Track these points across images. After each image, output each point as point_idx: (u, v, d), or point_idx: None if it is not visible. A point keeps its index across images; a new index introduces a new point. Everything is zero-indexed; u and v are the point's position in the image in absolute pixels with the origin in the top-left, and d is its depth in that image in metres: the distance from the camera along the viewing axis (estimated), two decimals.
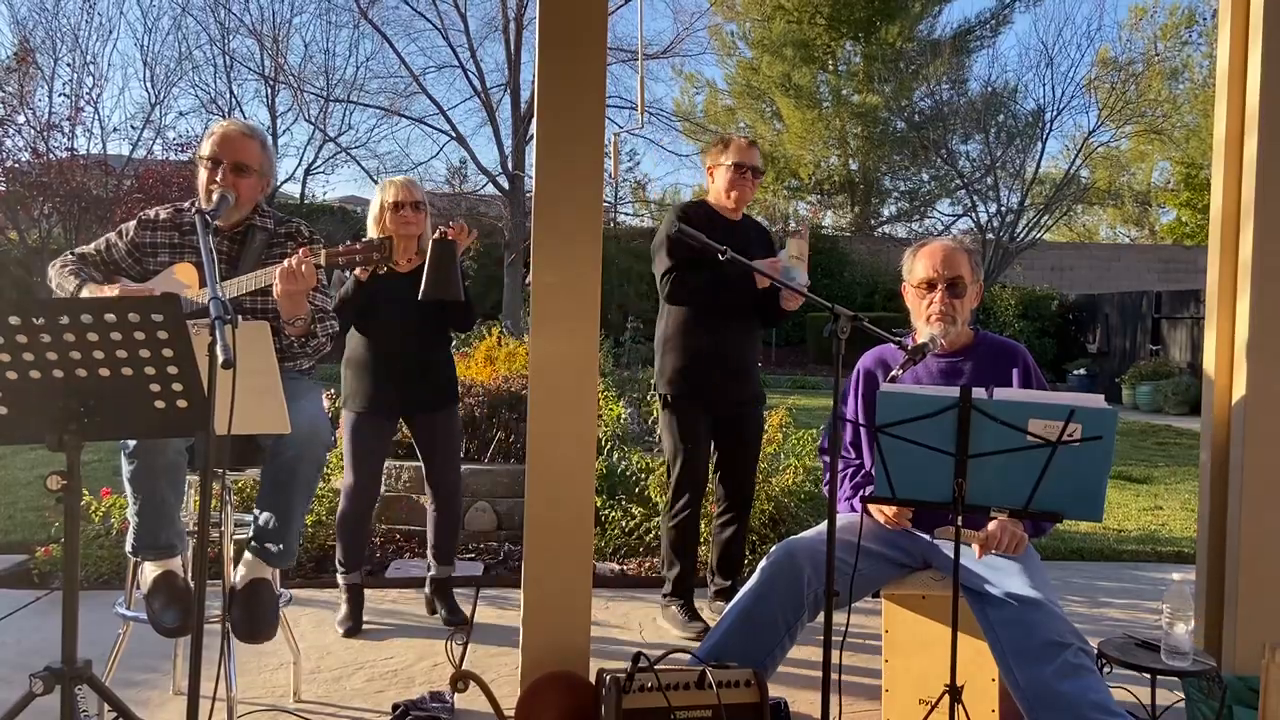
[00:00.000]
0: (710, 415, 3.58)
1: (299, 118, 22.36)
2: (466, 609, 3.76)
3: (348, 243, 2.65)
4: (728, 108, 26.06)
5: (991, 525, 2.41)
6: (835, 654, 2.16)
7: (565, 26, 2.53)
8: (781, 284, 3.09)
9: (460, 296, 3.24)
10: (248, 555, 2.60)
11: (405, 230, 3.40)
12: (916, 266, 2.67)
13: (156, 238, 2.77)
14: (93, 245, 2.82)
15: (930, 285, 2.62)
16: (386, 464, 4.83)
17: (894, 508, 2.51)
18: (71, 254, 2.79)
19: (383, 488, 4.82)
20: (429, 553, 3.61)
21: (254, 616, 2.51)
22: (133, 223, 2.81)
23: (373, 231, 3.44)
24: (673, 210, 3.73)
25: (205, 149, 2.72)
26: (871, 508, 2.56)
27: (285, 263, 2.51)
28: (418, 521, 4.55)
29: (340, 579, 3.52)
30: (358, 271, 3.30)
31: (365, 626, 3.50)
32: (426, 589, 3.66)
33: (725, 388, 3.55)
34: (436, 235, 3.19)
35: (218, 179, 2.66)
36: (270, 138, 4.08)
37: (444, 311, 3.43)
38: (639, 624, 3.67)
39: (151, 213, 2.82)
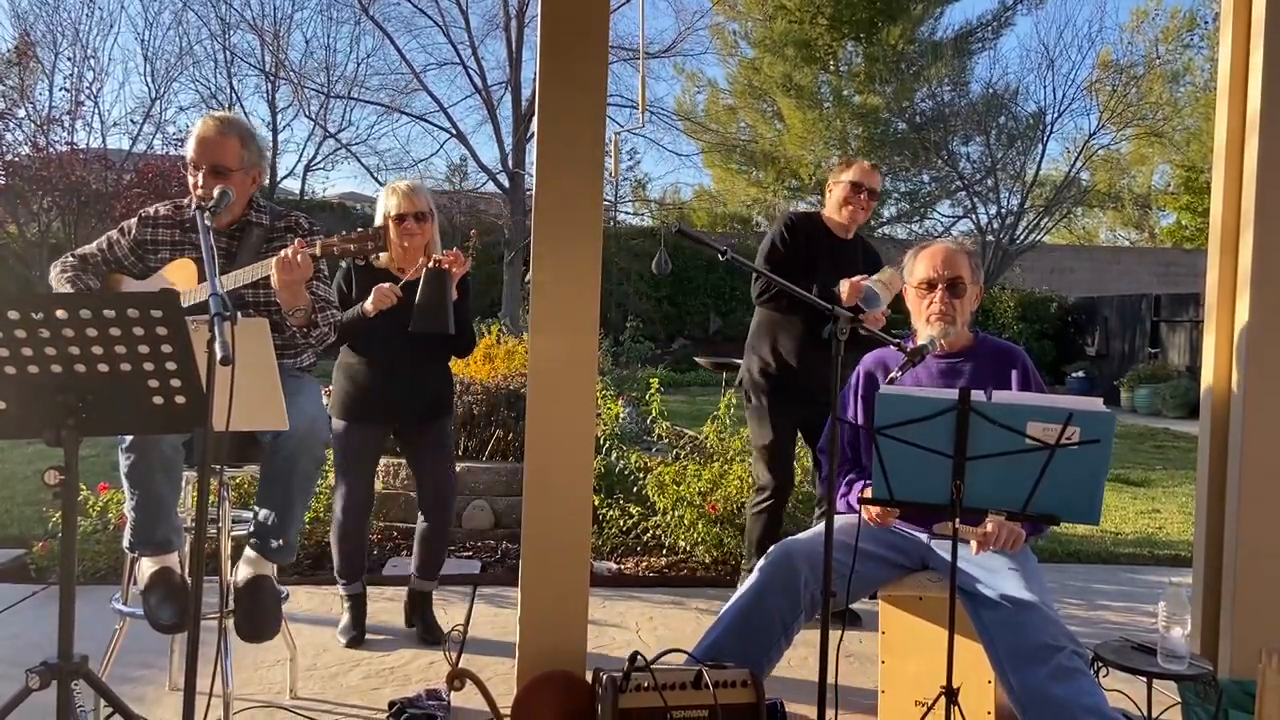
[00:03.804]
0: (798, 413, 3.63)
1: (299, 114, 22.47)
2: (464, 606, 3.76)
3: (343, 233, 2.64)
4: (729, 107, 26.00)
5: (989, 522, 2.40)
6: (831, 655, 2.16)
7: (567, 24, 2.53)
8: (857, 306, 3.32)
9: (449, 329, 3.10)
10: (248, 553, 2.60)
11: (410, 242, 3.28)
12: (916, 268, 2.68)
13: (158, 234, 2.76)
14: (94, 245, 2.81)
15: (930, 285, 2.63)
16: (384, 461, 4.84)
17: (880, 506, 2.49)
18: (72, 256, 2.78)
19: (379, 486, 4.84)
20: (413, 563, 3.47)
21: (256, 615, 2.51)
22: (134, 220, 2.80)
23: None
24: (781, 217, 3.82)
25: (187, 151, 2.69)
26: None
27: (281, 253, 2.51)
28: (415, 519, 4.53)
29: (341, 589, 3.39)
30: (368, 306, 3.14)
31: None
32: (406, 600, 3.52)
33: (800, 388, 3.57)
34: (429, 264, 3.08)
35: (198, 184, 2.63)
36: (253, 124, 4.02)
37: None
38: (636, 623, 3.67)
39: (152, 210, 2.82)
